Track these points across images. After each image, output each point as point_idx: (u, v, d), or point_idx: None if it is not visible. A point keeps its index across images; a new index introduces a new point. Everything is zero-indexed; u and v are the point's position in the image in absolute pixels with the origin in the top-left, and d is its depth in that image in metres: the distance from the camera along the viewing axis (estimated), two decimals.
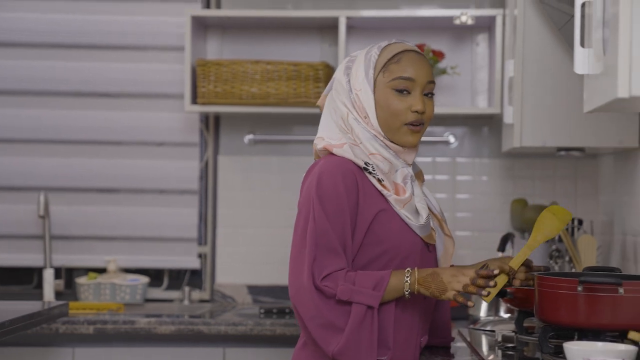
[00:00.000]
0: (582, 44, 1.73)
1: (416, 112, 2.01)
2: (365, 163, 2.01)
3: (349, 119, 2.03)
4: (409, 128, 2.02)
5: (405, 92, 2.02)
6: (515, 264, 2.03)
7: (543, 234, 2.09)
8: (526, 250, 2.06)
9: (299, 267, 1.95)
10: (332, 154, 2.03)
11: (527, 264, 2.08)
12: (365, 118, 2.03)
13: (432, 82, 2.04)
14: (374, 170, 2.00)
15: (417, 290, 1.95)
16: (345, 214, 1.95)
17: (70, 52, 3.63)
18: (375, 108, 2.01)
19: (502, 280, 2.02)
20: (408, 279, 1.95)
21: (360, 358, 1.92)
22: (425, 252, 2.06)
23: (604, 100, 1.61)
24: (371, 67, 2.02)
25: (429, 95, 2.04)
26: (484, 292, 1.93)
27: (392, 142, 2.03)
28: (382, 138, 2.03)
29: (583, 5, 1.74)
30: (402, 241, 2.01)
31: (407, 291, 1.95)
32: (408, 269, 1.97)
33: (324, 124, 2.08)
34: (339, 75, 2.07)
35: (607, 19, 1.61)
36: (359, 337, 1.91)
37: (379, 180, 2.01)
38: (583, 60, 1.74)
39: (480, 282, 1.93)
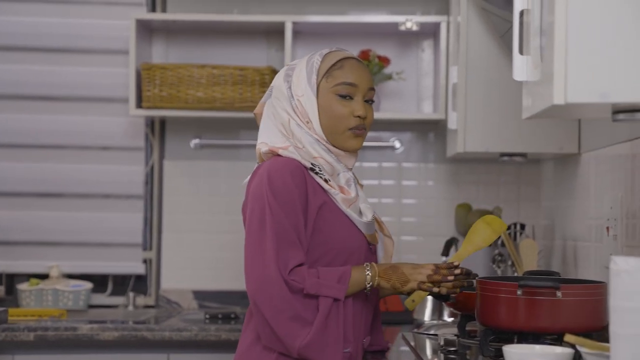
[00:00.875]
0: (521, 52, 1.76)
1: (358, 117, 2.04)
2: (312, 164, 2.03)
3: (290, 124, 2.05)
4: (353, 132, 2.05)
5: (347, 98, 2.05)
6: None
7: (473, 245, 2.14)
8: (453, 259, 2.11)
9: (260, 262, 1.94)
10: (277, 155, 2.04)
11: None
12: (308, 123, 2.05)
13: (373, 89, 2.09)
14: (320, 171, 2.03)
15: (378, 283, 2.00)
16: (298, 208, 1.97)
17: (12, 55, 3.57)
18: (319, 113, 2.04)
19: (420, 295, 2.12)
20: (369, 272, 1.99)
21: (328, 351, 1.93)
22: (368, 251, 2.10)
23: (541, 107, 1.63)
24: (314, 73, 2.05)
25: (369, 102, 2.08)
26: (449, 285, 2.00)
27: (334, 146, 2.06)
28: (324, 142, 2.05)
29: (522, 13, 1.76)
30: (348, 238, 2.03)
31: (368, 284, 1.99)
32: (366, 263, 2.02)
33: (265, 129, 2.10)
34: (278, 82, 2.10)
35: (544, 27, 1.63)
36: (327, 330, 1.93)
37: (326, 180, 2.03)
38: (522, 67, 1.76)
39: (444, 271, 2.00)
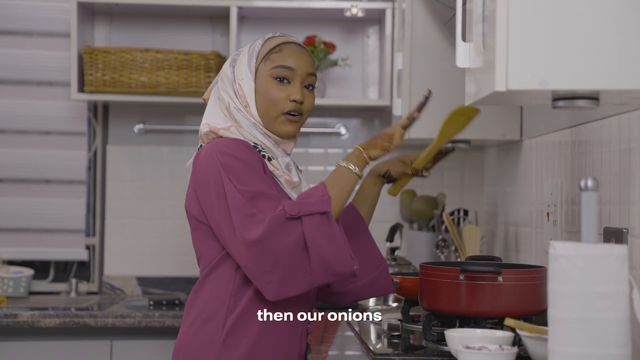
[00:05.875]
0: (464, 38, 1.77)
1: (294, 101, 2.02)
2: (254, 143, 2.01)
3: (230, 108, 2.04)
4: (287, 118, 2.02)
5: (285, 81, 2.03)
6: (418, 164, 2.17)
7: (447, 135, 2.16)
8: (429, 151, 2.16)
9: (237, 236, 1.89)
10: (219, 137, 2.02)
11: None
12: (246, 107, 2.03)
13: (313, 75, 2.06)
14: (263, 149, 2.01)
15: (369, 156, 2.00)
16: (260, 169, 1.94)
17: None
18: (255, 97, 2.02)
19: (406, 180, 2.21)
20: (346, 163, 1.97)
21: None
22: None
23: (483, 94, 1.65)
24: (254, 56, 2.04)
25: (309, 87, 2.06)
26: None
27: (270, 131, 2.04)
28: (261, 127, 2.04)
29: (465, 0, 1.78)
30: None
31: (354, 168, 1.97)
32: (341, 161, 1.99)
33: (209, 112, 2.08)
34: (225, 67, 2.09)
35: (487, 14, 1.65)
36: (334, 243, 1.89)
37: (269, 159, 2.01)
38: (464, 54, 1.77)
39: (413, 116, 2.07)
